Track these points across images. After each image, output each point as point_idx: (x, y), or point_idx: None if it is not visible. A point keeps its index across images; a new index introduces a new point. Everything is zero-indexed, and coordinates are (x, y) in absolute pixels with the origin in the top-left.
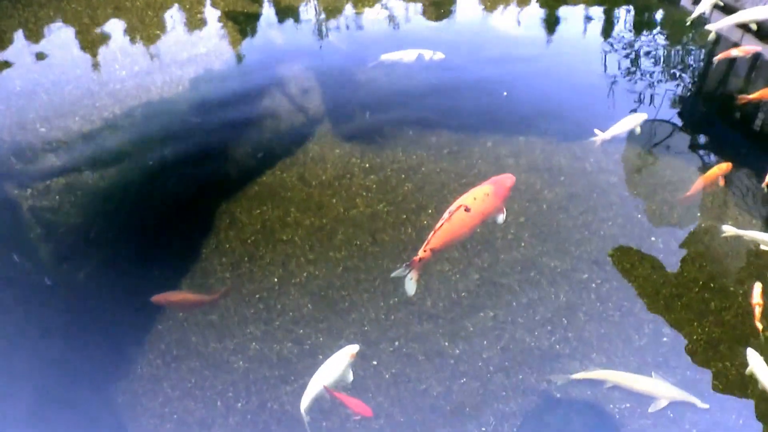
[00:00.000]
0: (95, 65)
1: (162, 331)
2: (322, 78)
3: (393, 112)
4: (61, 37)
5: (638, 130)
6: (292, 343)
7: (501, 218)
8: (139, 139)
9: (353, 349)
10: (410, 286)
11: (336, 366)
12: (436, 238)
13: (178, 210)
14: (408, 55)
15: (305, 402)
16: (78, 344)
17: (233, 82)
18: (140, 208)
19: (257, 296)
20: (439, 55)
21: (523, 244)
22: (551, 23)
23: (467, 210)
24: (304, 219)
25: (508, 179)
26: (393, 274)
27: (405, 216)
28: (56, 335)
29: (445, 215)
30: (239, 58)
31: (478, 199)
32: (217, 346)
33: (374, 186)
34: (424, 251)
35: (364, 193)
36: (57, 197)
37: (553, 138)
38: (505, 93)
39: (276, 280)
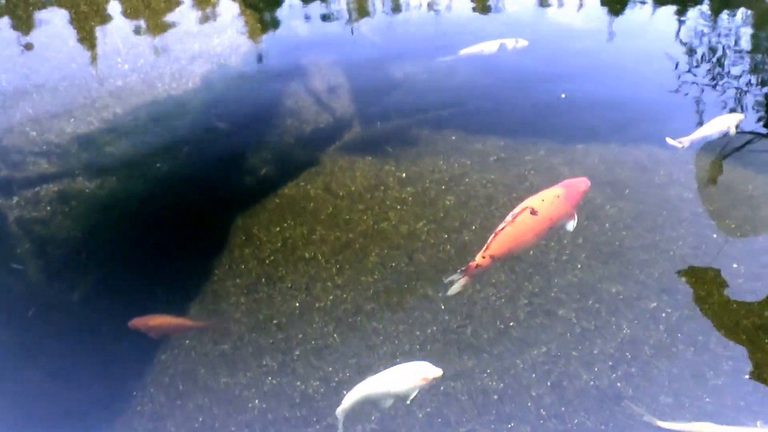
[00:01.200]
0: (93, 58)
1: (166, 362)
2: (352, 74)
3: (433, 113)
4: (54, 25)
5: (733, 131)
6: (315, 378)
7: (571, 225)
8: (144, 142)
9: (432, 372)
10: (454, 288)
11: (400, 379)
12: (496, 243)
13: (186, 224)
14: (489, 47)
15: (346, 403)
16: (68, 375)
17: (251, 78)
18: (143, 222)
19: (275, 323)
20: (523, 43)
21: (580, 267)
22: (616, 14)
23: (534, 213)
24: (330, 236)
25: (582, 183)
26: (446, 280)
27: (446, 234)
28: (43, 365)
29: (509, 217)
30: (258, 51)
31: (547, 202)
32: (229, 381)
33: (411, 199)
34: (483, 257)
35: (400, 207)
36: (48, 207)
37: (616, 145)
38: (563, 95)
39: (297, 305)
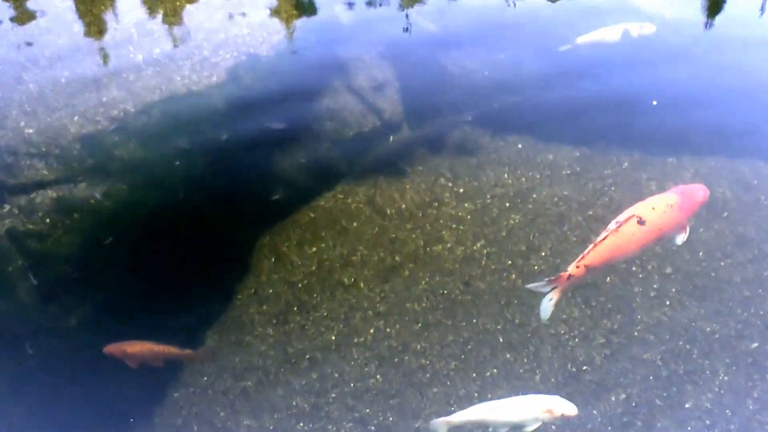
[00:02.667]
0: (101, 46)
1: (179, 400)
2: (402, 69)
3: (496, 117)
4: (56, 6)
5: None
6: (352, 423)
7: (681, 239)
8: (158, 145)
9: (562, 407)
10: (547, 308)
11: (522, 407)
12: (596, 253)
13: (205, 241)
14: (611, 33)
15: (455, 418)
16: (66, 415)
17: (284, 72)
18: (156, 237)
19: (307, 359)
20: (649, 29)
21: (668, 303)
22: (716, 2)
23: (641, 222)
24: (373, 258)
25: (699, 190)
26: (529, 286)
27: (509, 259)
28: (34, 402)
29: (612, 225)
30: (293, 40)
31: (658, 210)
32: (252, 424)
33: (469, 217)
34: (577, 267)
35: (455, 226)
36: (46, 219)
37: (713, 159)
38: (654, 102)
39: (333, 338)
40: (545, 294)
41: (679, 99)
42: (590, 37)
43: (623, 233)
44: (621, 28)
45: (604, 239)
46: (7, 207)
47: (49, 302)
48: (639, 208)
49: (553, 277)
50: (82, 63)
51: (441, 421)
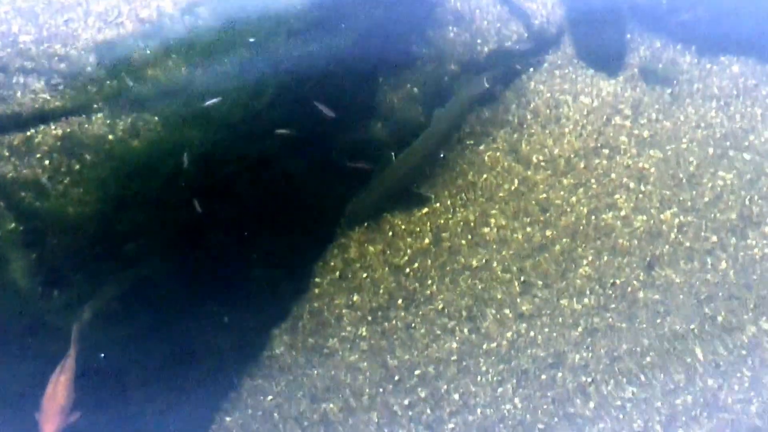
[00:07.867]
0: None
1: (232, 428)
2: None
3: (703, 29)
4: None
5: None
6: None
7: None
8: (207, 61)
9: None
10: None
11: None
12: None
13: (272, 202)
14: None
15: None
16: None
17: None
18: (201, 194)
19: (416, 373)
20: None
21: None
22: None
23: None
24: (514, 229)
25: None
26: None
27: (715, 235)
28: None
29: None
30: None
31: None
32: None
33: (654, 171)
34: None
35: (634, 185)
36: (47, 162)
37: None
38: None
39: (455, 345)
40: None
41: None
42: None
43: None
44: None
45: None
46: None
47: (54, 286)
48: None
49: None
50: None
51: None
